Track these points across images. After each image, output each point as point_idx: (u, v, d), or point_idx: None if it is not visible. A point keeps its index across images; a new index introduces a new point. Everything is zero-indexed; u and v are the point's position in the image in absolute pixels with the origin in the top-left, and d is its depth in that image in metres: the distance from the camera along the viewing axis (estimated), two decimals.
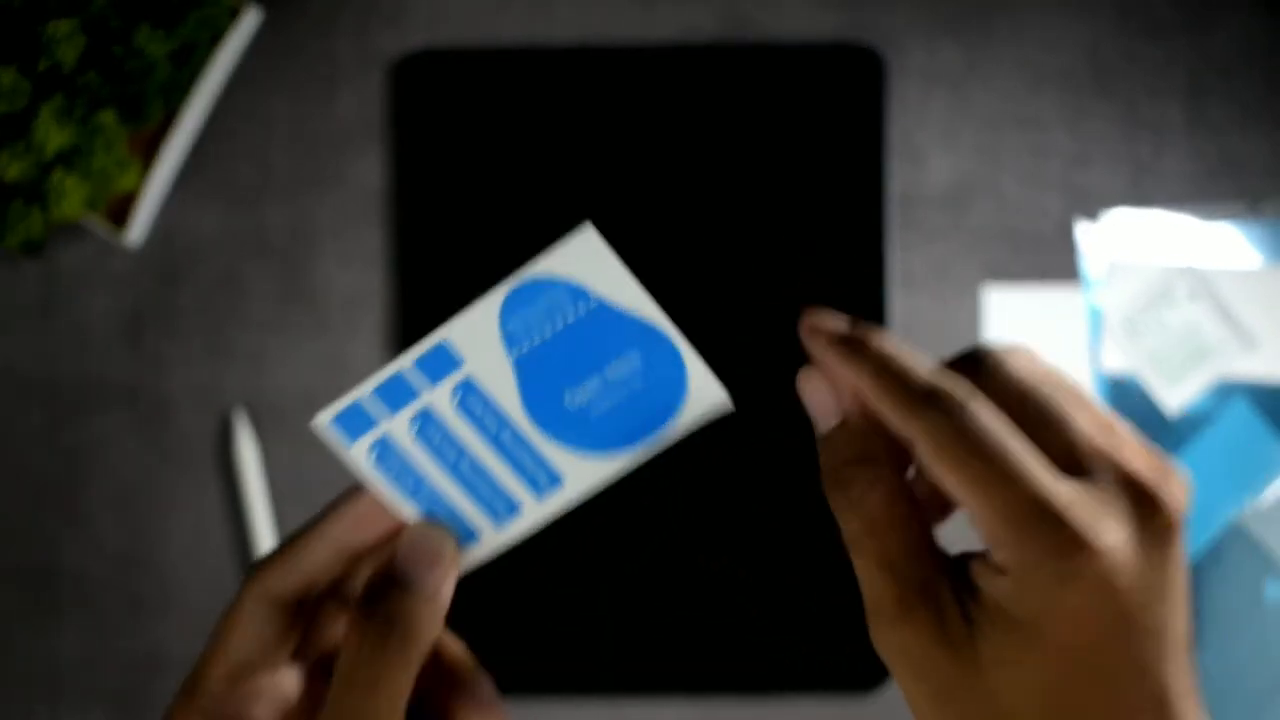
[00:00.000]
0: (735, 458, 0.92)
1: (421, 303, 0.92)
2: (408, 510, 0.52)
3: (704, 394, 0.55)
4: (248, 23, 0.92)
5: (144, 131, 0.90)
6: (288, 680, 0.49)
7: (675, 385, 0.55)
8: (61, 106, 0.83)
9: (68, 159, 0.84)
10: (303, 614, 0.50)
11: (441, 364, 0.52)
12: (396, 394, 0.52)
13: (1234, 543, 0.92)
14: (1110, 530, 0.41)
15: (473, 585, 0.92)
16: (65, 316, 0.94)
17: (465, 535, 0.53)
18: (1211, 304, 0.92)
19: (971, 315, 0.93)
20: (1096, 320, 0.92)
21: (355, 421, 0.52)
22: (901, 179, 0.93)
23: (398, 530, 0.51)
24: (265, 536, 0.93)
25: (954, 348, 0.93)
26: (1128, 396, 0.92)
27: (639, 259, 0.92)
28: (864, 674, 0.92)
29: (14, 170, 0.83)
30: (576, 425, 0.53)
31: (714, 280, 0.92)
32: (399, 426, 0.52)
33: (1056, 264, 0.93)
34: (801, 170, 0.92)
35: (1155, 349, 0.93)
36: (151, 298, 0.94)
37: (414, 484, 0.52)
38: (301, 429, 0.94)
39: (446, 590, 0.50)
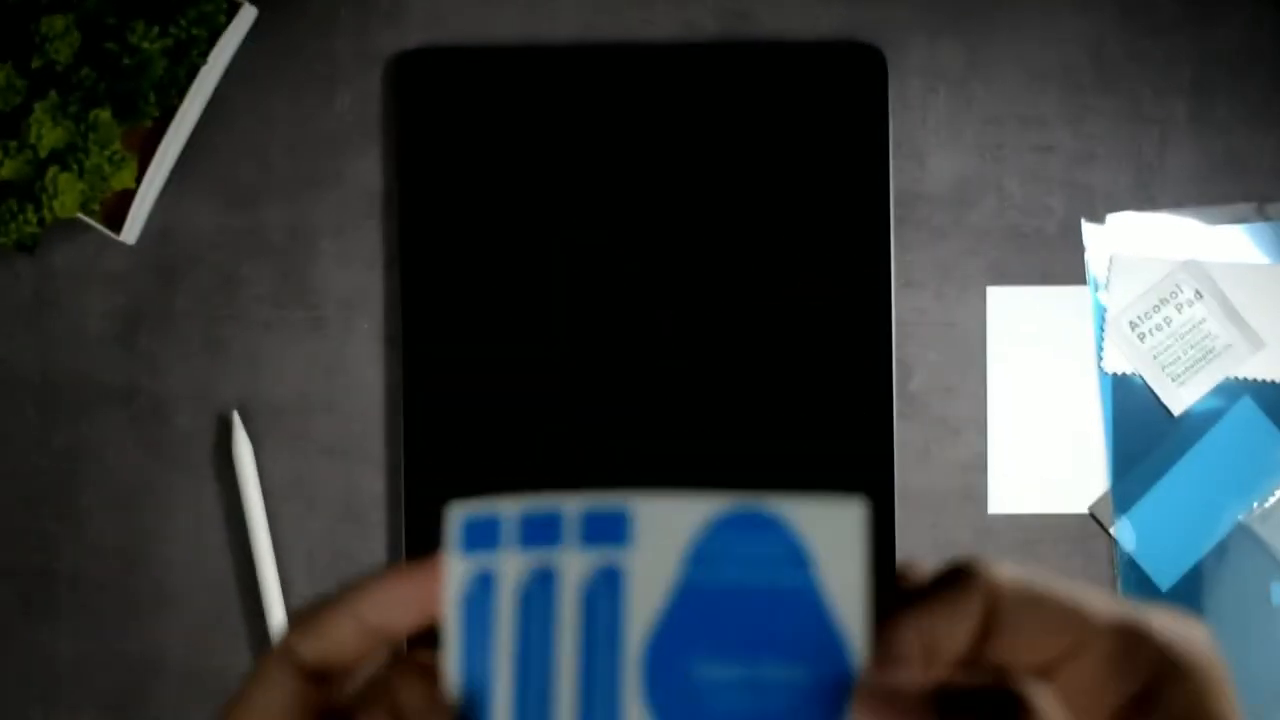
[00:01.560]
0: (738, 459, 0.91)
1: (421, 303, 0.92)
2: (454, 665, 0.44)
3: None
4: (244, 20, 0.92)
5: (139, 129, 0.89)
6: None
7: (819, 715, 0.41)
8: (56, 104, 0.83)
9: (62, 157, 0.84)
10: (326, 687, 0.49)
11: (606, 531, 0.41)
12: (540, 530, 0.42)
13: (1240, 544, 0.92)
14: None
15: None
16: (61, 315, 0.94)
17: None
18: (1216, 303, 0.92)
19: (975, 315, 0.92)
20: (1100, 320, 0.92)
21: (482, 533, 0.43)
22: (903, 178, 0.93)
23: (428, 623, 0.48)
24: (262, 537, 0.92)
25: (957, 348, 0.92)
26: (1132, 397, 0.91)
27: (639, 258, 0.92)
28: None
29: (8, 168, 0.83)
30: (685, 705, 0.40)
31: (714, 279, 0.91)
32: (512, 569, 0.42)
33: (1060, 263, 0.92)
34: (803, 169, 0.91)
35: (1160, 349, 0.92)
36: (148, 297, 0.94)
37: (477, 644, 0.43)
38: (299, 429, 0.94)
39: None
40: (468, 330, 0.92)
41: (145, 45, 0.84)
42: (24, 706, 0.94)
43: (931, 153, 0.93)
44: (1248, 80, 0.93)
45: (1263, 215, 0.92)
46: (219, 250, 0.94)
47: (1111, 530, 0.92)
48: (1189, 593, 0.92)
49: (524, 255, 0.92)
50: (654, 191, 0.92)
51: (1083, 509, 0.92)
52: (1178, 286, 0.92)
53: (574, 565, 0.41)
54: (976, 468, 0.93)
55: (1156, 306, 0.92)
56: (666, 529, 0.41)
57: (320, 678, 0.48)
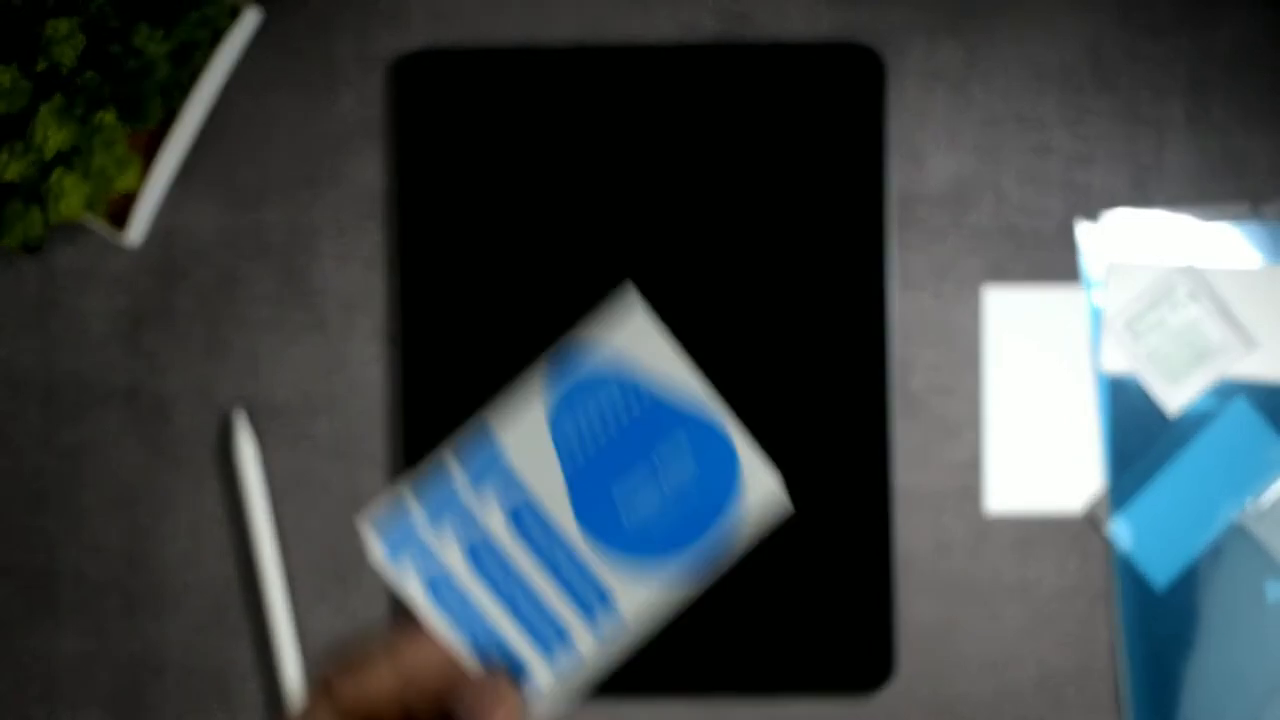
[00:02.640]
0: None
1: (421, 303, 0.92)
2: (460, 642, 0.51)
3: (758, 485, 0.50)
4: (247, 22, 0.92)
5: (143, 131, 0.90)
6: None
7: (728, 481, 0.50)
8: (61, 106, 0.83)
9: (67, 159, 0.84)
10: None
11: (489, 472, 0.50)
12: (444, 511, 0.50)
13: (1235, 543, 0.92)
14: None
15: None
16: (64, 316, 0.94)
17: (518, 670, 0.51)
18: (1213, 304, 0.92)
19: (972, 315, 0.93)
20: (1097, 320, 0.92)
21: (403, 543, 0.50)
22: (901, 178, 0.93)
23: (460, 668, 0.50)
24: (265, 537, 0.93)
25: (954, 348, 0.93)
26: (1128, 397, 0.92)
27: (638, 258, 0.92)
28: (865, 674, 0.92)
29: (13, 170, 0.83)
30: (627, 532, 0.50)
31: (713, 279, 0.92)
32: (454, 559, 0.50)
33: (1057, 264, 0.93)
34: (801, 170, 0.92)
35: (1156, 349, 0.93)
36: (151, 298, 0.94)
37: (466, 615, 0.50)
38: (300, 429, 0.94)
39: None
40: (468, 330, 0.92)
41: (149, 48, 0.84)
42: (24, 706, 0.94)
43: (930, 153, 0.93)
44: (1245, 81, 0.93)
45: (1259, 216, 0.92)
46: (221, 250, 0.94)
47: (1108, 530, 0.93)
48: (1185, 592, 0.92)
49: (524, 255, 0.92)
50: (654, 192, 0.92)
51: (1079, 509, 0.93)
52: (1174, 287, 0.92)
53: (494, 522, 0.50)
54: (974, 467, 0.93)
55: (1153, 307, 0.92)
56: (528, 442, 0.50)
57: None
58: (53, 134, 0.82)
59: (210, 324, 0.94)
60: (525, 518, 0.50)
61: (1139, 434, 0.90)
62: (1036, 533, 0.93)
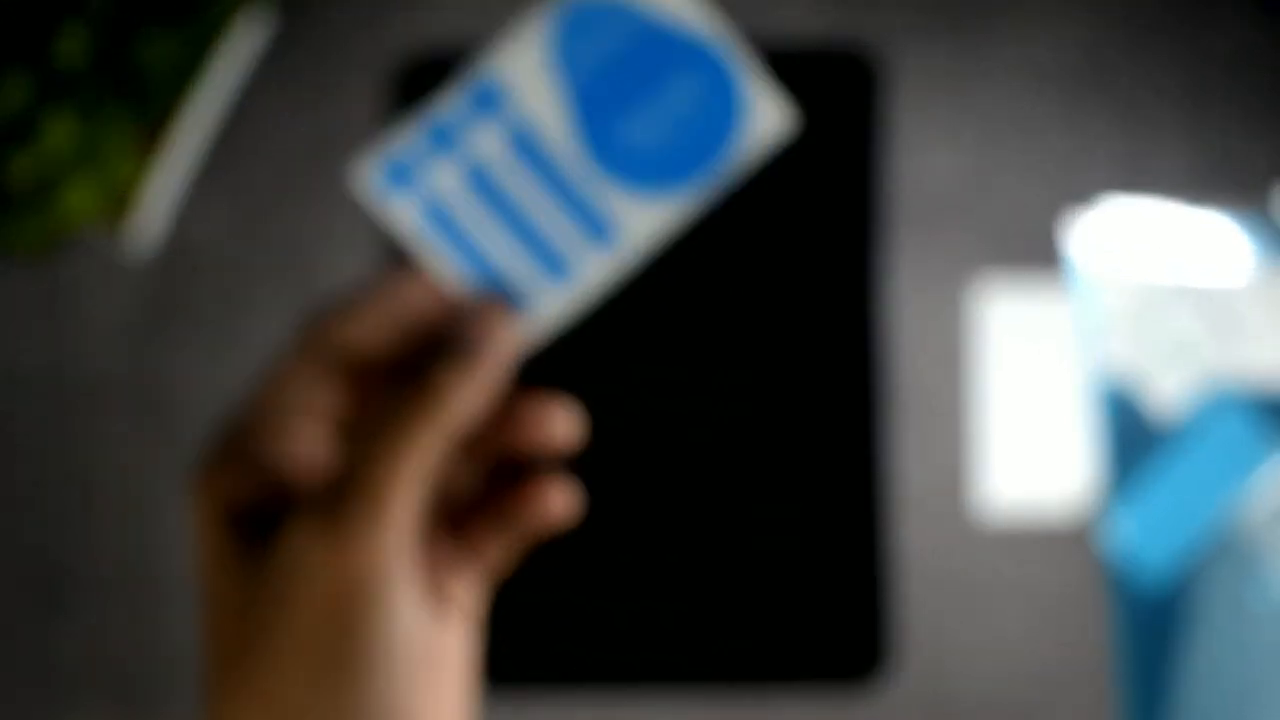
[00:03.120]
0: (729, 450, 0.92)
1: None
2: (456, 273, 0.49)
3: (765, 114, 0.49)
4: (253, 27, 0.92)
5: (150, 134, 0.90)
6: (321, 436, 0.47)
7: (733, 107, 0.50)
8: (67, 108, 0.83)
9: (74, 160, 0.84)
10: (352, 379, 0.48)
11: (489, 102, 0.49)
12: (443, 140, 0.50)
13: (1230, 543, 0.92)
14: None
15: None
16: (71, 317, 0.94)
17: (515, 298, 0.50)
18: (1210, 305, 0.92)
19: (970, 313, 0.93)
20: (1096, 320, 0.93)
21: (399, 174, 0.49)
22: (901, 178, 0.93)
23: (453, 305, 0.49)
24: None
25: (954, 348, 0.93)
26: (1126, 397, 0.92)
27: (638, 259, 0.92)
28: (856, 662, 0.92)
29: (19, 171, 0.83)
30: (632, 158, 0.50)
31: (713, 280, 0.92)
32: (449, 183, 0.49)
33: (1054, 262, 0.93)
34: (801, 169, 0.92)
35: (1150, 348, 0.93)
36: (155, 298, 0.94)
37: (463, 245, 0.49)
38: None
39: (491, 366, 0.47)
40: None
41: (155, 51, 0.84)
42: (28, 704, 0.95)
43: (930, 153, 0.93)
44: (1243, 82, 0.93)
45: (1258, 216, 0.93)
46: (226, 251, 0.94)
47: (1104, 530, 0.93)
48: (1181, 591, 0.93)
49: None
50: None
51: (1076, 509, 0.93)
52: (1170, 287, 0.92)
53: (491, 146, 0.49)
54: (972, 467, 0.93)
55: (1151, 307, 0.93)
56: (524, 67, 0.49)
57: (344, 364, 0.47)
58: (60, 136, 0.83)
59: (214, 324, 0.94)
60: (527, 143, 0.49)
61: (1136, 435, 0.91)
62: (1035, 533, 0.93)
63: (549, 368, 0.93)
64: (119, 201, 0.92)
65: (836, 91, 0.92)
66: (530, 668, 0.93)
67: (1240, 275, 0.92)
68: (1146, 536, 0.93)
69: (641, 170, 0.50)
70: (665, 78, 0.50)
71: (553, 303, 0.49)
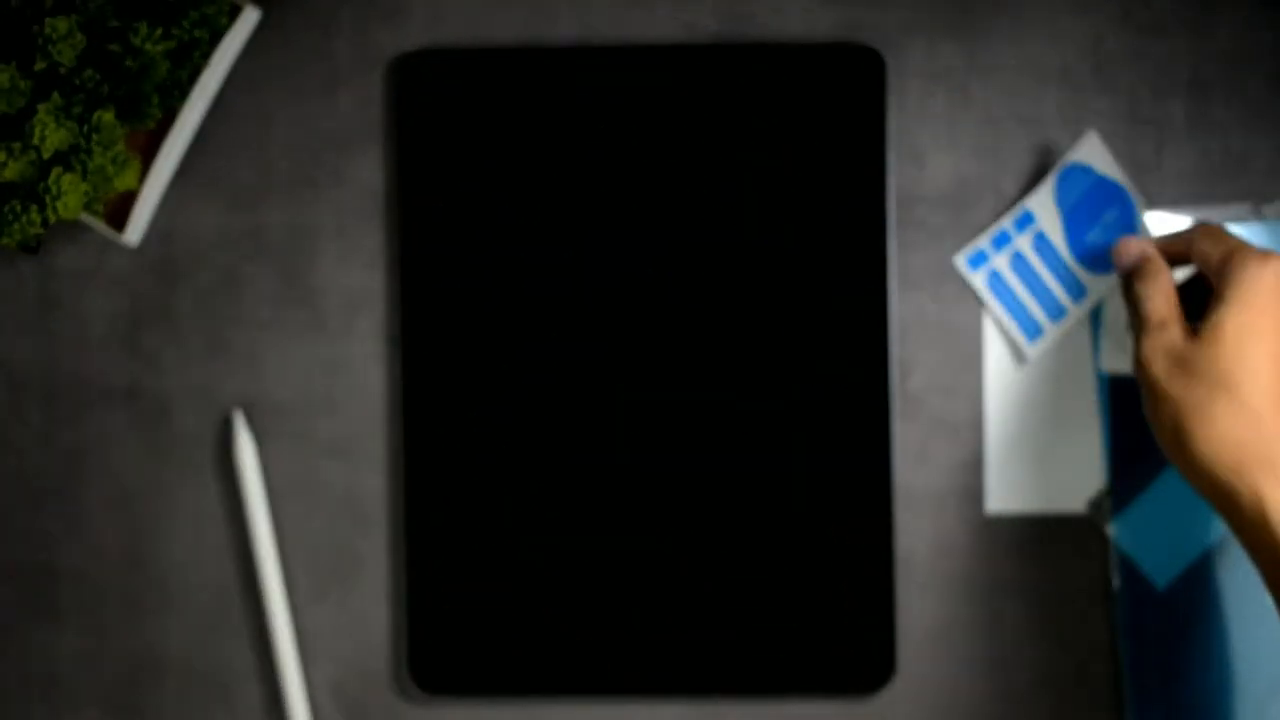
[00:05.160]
0: (738, 459, 0.91)
1: (421, 303, 0.92)
2: (1004, 314, 0.92)
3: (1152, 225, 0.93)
4: (247, 21, 0.92)
5: (142, 131, 0.90)
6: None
7: (1134, 226, 0.92)
8: (60, 105, 0.83)
9: (66, 158, 0.84)
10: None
11: (1025, 222, 0.91)
12: (1001, 241, 0.91)
13: (1234, 543, 0.92)
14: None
15: (474, 590, 0.92)
16: (63, 316, 0.94)
17: (1030, 329, 0.92)
18: None
19: (972, 315, 0.93)
20: (1096, 320, 0.92)
21: (978, 258, 0.91)
22: (901, 178, 0.93)
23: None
24: (264, 537, 0.93)
25: (954, 348, 0.93)
26: (1127, 397, 0.92)
27: (638, 258, 0.92)
28: (866, 676, 0.92)
29: (12, 170, 0.83)
30: (1091, 252, 0.91)
31: (713, 280, 0.92)
32: (1003, 264, 0.91)
33: None
34: (802, 169, 0.92)
35: None
36: (150, 298, 0.94)
37: (1009, 298, 0.91)
38: (300, 429, 0.94)
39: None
40: (468, 330, 0.92)
41: (148, 47, 0.84)
42: (25, 706, 0.94)
43: (930, 153, 0.93)
44: (1245, 81, 0.93)
45: (1259, 216, 0.92)
46: (221, 250, 0.94)
47: (1108, 529, 0.93)
48: (1186, 590, 0.92)
49: (524, 255, 0.92)
50: (654, 192, 0.92)
51: (1080, 508, 0.93)
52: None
53: (1023, 245, 0.91)
54: (974, 467, 0.93)
55: None
56: (1043, 203, 0.91)
57: None
58: (51, 133, 0.83)
59: (210, 324, 0.94)
60: (1043, 244, 0.91)
61: (1139, 433, 0.90)
62: (1036, 533, 0.93)
63: (554, 373, 0.93)
64: (110, 199, 0.92)
65: (845, 84, 0.92)
66: (535, 677, 0.93)
67: None
68: (1154, 536, 0.92)
69: (1094, 259, 0.91)
70: (1106, 207, 0.91)
71: (1050, 333, 0.91)
